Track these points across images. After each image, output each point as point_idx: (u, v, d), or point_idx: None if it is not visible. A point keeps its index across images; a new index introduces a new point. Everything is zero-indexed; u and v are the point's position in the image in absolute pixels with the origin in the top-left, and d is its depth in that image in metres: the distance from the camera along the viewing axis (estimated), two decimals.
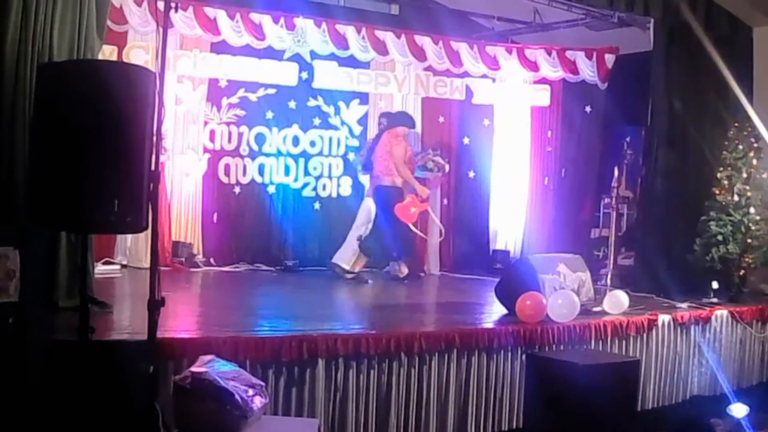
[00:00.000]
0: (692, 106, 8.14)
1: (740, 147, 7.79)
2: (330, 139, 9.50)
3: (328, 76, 9.29)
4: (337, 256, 8.60)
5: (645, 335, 6.38)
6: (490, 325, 5.87)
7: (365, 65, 9.50)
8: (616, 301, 6.52)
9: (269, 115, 9.14)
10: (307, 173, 9.40)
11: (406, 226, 8.37)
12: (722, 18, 8.18)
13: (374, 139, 8.76)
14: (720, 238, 7.57)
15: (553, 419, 4.97)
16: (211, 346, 4.43)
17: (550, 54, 9.95)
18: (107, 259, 8.00)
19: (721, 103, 7.99)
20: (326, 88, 9.35)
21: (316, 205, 9.47)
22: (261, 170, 9.15)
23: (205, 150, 8.82)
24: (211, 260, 8.76)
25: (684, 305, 7.00)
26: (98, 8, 5.32)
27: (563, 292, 6.13)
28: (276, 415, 4.56)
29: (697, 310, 6.87)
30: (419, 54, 9.58)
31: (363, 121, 9.65)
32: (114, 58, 7.72)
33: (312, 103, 9.36)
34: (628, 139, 10.52)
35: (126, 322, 5.15)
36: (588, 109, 10.13)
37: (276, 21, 8.77)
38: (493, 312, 6.47)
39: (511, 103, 10.17)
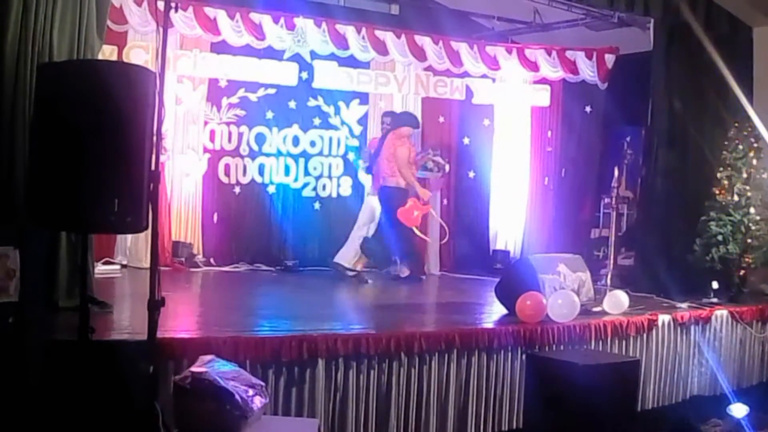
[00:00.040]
0: (692, 106, 8.14)
1: (740, 147, 7.79)
2: (330, 139, 9.51)
3: (328, 76, 9.29)
4: (339, 255, 8.61)
5: (645, 335, 6.38)
6: (490, 325, 5.87)
7: (365, 65, 9.51)
8: (616, 301, 6.52)
9: (269, 115, 9.14)
10: (307, 173, 9.40)
11: (409, 230, 8.35)
12: (722, 18, 8.18)
13: (380, 140, 8.73)
14: (720, 238, 7.57)
15: (553, 419, 4.97)
16: (211, 346, 4.43)
17: (550, 54, 9.95)
18: (107, 259, 8.00)
19: (721, 103, 7.99)
20: (326, 88, 9.35)
21: (316, 205, 9.47)
22: (261, 170, 9.15)
23: (205, 150, 8.83)
24: (211, 260, 8.77)
25: (684, 305, 7.00)
26: (98, 8, 5.31)
27: (563, 292, 6.13)
28: (276, 415, 4.56)
29: (697, 310, 6.87)
30: (419, 54, 9.58)
31: (363, 121, 9.65)
32: (114, 58, 7.73)
33: (312, 103, 9.37)
34: (628, 139, 10.52)
35: (126, 322, 5.15)
36: (588, 109, 10.13)
37: (276, 21, 8.78)
38: (493, 312, 6.47)
39: (511, 103, 10.17)
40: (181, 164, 8.62)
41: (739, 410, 6.27)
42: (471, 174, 10.22)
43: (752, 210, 7.64)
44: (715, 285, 7.40)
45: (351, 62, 9.35)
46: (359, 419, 4.95)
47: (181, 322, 5.26)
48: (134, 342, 4.29)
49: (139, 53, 8.08)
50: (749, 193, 7.70)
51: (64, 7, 5.09)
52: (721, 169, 7.83)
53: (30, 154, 4.23)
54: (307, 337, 4.81)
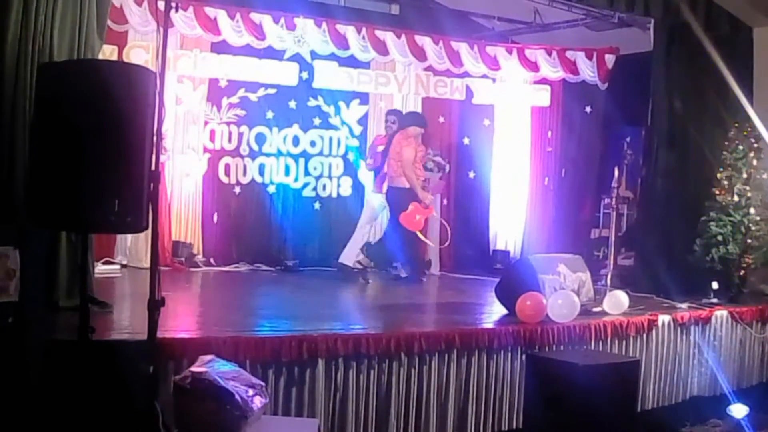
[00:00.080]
0: (692, 106, 8.14)
1: (740, 147, 7.79)
2: (330, 139, 9.51)
3: (328, 76, 9.29)
4: (343, 256, 8.68)
5: (645, 335, 6.38)
6: (490, 326, 5.88)
7: (365, 65, 9.51)
8: (616, 302, 6.52)
9: (269, 115, 9.14)
10: (307, 173, 9.40)
11: (412, 234, 8.35)
12: (722, 18, 8.18)
13: (388, 139, 8.73)
14: (720, 238, 7.57)
15: (553, 419, 4.97)
16: (211, 346, 4.43)
17: (550, 54, 9.95)
18: (107, 258, 8.00)
19: (721, 103, 7.99)
20: (326, 88, 9.36)
21: (316, 205, 9.47)
22: (261, 170, 9.15)
23: (206, 150, 8.83)
24: (211, 260, 8.76)
25: (684, 305, 7.00)
26: (98, 8, 5.31)
27: (563, 292, 6.13)
28: (276, 415, 4.56)
29: (697, 311, 6.87)
30: (419, 54, 9.58)
31: (363, 121, 9.65)
32: (114, 57, 7.72)
33: (312, 103, 9.37)
34: (628, 139, 10.52)
35: (126, 322, 5.16)
36: (588, 109, 10.13)
37: (276, 21, 8.77)
38: (493, 312, 6.47)
39: (512, 103, 10.17)
40: (181, 164, 8.62)
41: (738, 410, 6.28)
42: (471, 174, 10.22)
43: (752, 210, 7.64)
44: (715, 285, 7.39)
45: (351, 62, 9.35)
46: (359, 419, 4.95)
47: (181, 322, 5.26)
48: (134, 342, 4.29)
49: (139, 53, 8.08)
50: (749, 194, 7.70)
51: (65, 7, 5.09)
52: (721, 169, 7.83)
53: (30, 154, 4.24)
54: (307, 337, 4.81)
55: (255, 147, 9.09)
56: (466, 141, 10.19)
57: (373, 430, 5.00)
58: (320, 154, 9.46)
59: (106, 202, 3.50)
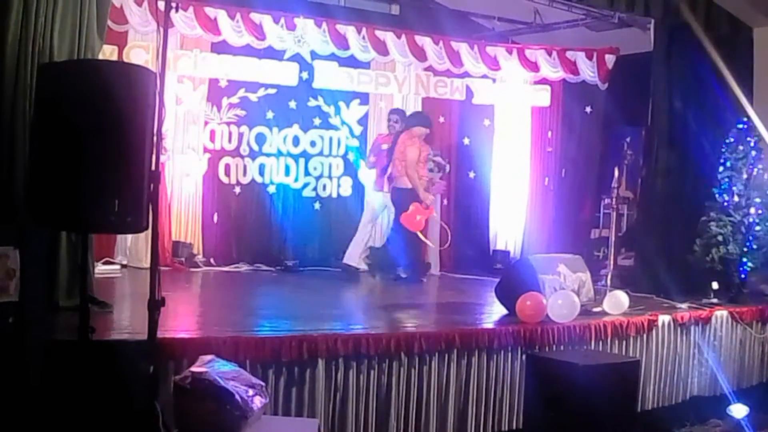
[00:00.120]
0: (692, 106, 8.14)
1: (740, 147, 7.79)
2: (330, 139, 9.51)
3: (328, 76, 9.29)
4: (347, 257, 8.74)
5: (645, 336, 6.38)
6: (490, 326, 5.88)
7: (365, 65, 9.51)
8: (616, 302, 6.52)
9: (269, 115, 9.14)
10: (307, 173, 9.40)
11: (415, 236, 8.37)
12: (722, 18, 8.18)
13: (393, 138, 8.75)
14: (720, 238, 7.57)
15: (553, 419, 4.97)
16: (212, 346, 4.43)
17: (550, 54, 9.96)
18: (107, 258, 8.00)
19: (721, 103, 7.99)
20: (326, 88, 9.36)
21: (317, 205, 9.47)
22: (261, 170, 9.15)
23: (206, 150, 8.83)
24: (212, 260, 8.76)
25: (684, 306, 7.00)
26: (99, 8, 5.31)
27: (563, 292, 6.13)
28: (276, 415, 4.56)
29: (697, 311, 6.87)
30: (419, 54, 9.58)
31: (363, 121, 9.65)
32: (114, 58, 7.73)
33: (312, 103, 9.37)
34: (628, 139, 10.52)
35: (126, 322, 5.16)
36: (588, 109, 10.13)
37: (276, 21, 8.78)
38: (493, 312, 6.47)
39: (512, 103, 10.17)
40: (182, 164, 8.62)
41: (739, 411, 6.27)
42: (471, 174, 10.22)
43: (752, 210, 7.63)
44: (715, 285, 7.39)
45: (351, 62, 9.35)
46: (359, 419, 4.95)
47: (181, 322, 5.26)
48: (134, 342, 4.29)
49: (139, 53, 8.09)
50: (750, 194, 7.69)
51: (65, 7, 5.08)
52: (721, 169, 7.83)
53: (30, 154, 4.23)
54: (307, 337, 4.81)
55: (255, 147, 9.10)
56: (466, 141, 10.19)
57: (373, 430, 5.00)
58: (320, 154, 9.46)
59: (106, 202, 3.50)
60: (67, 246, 5.10)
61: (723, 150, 7.87)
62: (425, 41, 9.59)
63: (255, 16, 8.67)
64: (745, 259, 7.60)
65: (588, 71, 9.91)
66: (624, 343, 6.23)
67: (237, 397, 3.84)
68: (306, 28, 8.92)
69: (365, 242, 8.96)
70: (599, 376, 4.99)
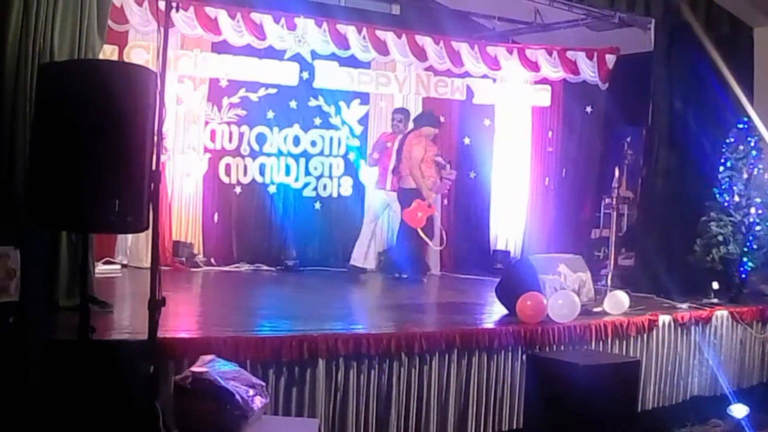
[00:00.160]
0: (693, 106, 8.14)
1: (741, 147, 7.78)
2: (331, 139, 9.51)
3: (328, 76, 9.29)
4: (353, 258, 8.87)
5: (645, 336, 6.38)
6: (490, 326, 5.88)
7: (366, 65, 9.51)
8: (617, 302, 6.52)
9: (270, 114, 9.14)
10: (307, 173, 9.40)
11: (417, 236, 8.43)
12: (723, 18, 8.18)
13: (401, 140, 8.79)
14: (720, 238, 7.57)
15: (554, 419, 4.97)
16: (212, 346, 4.43)
17: (550, 54, 9.96)
18: (108, 258, 8.00)
19: (722, 103, 7.99)
20: (327, 88, 9.36)
21: (317, 205, 9.47)
22: (262, 170, 9.15)
23: (206, 150, 8.83)
24: (212, 260, 8.76)
25: (684, 306, 7.00)
26: (99, 8, 5.31)
27: (564, 292, 6.13)
28: (276, 415, 4.56)
29: (697, 311, 6.87)
30: (420, 54, 9.58)
31: (364, 120, 9.65)
32: (115, 57, 7.73)
33: (313, 103, 9.37)
34: (628, 139, 10.51)
35: (126, 321, 5.16)
36: (589, 109, 10.13)
37: (277, 21, 8.78)
38: (494, 312, 6.47)
39: (512, 103, 10.17)
40: (182, 164, 8.62)
41: (739, 411, 6.27)
42: (471, 174, 10.22)
43: (752, 210, 7.63)
44: (715, 285, 7.39)
45: (352, 62, 9.35)
46: (359, 419, 4.95)
47: (181, 321, 5.26)
48: (135, 342, 4.29)
49: (139, 53, 8.09)
50: (750, 194, 7.69)
51: (65, 7, 5.08)
52: (722, 169, 7.83)
53: (30, 154, 4.23)
54: (308, 337, 4.81)
55: (255, 147, 9.10)
56: (466, 141, 10.19)
57: (374, 430, 5.00)
58: (321, 154, 9.46)
59: (107, 202, 3.50)
60: (67, 246, 5.10)
61: (723, 150, 7.87)
62: (426, 41, 9.59)
63: (255, 16, 8.67)
64: (745, 259, 7.60)
65: (588, 71, 9.91)
66: (624, 343, 6.23)
67: (237, 397, 3.84)
68: (306, 28, 8.93)
69: (368, 242, 9.03)
70: (599, 376, 4.99)
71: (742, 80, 7.88)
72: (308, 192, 9.42)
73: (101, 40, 5.41)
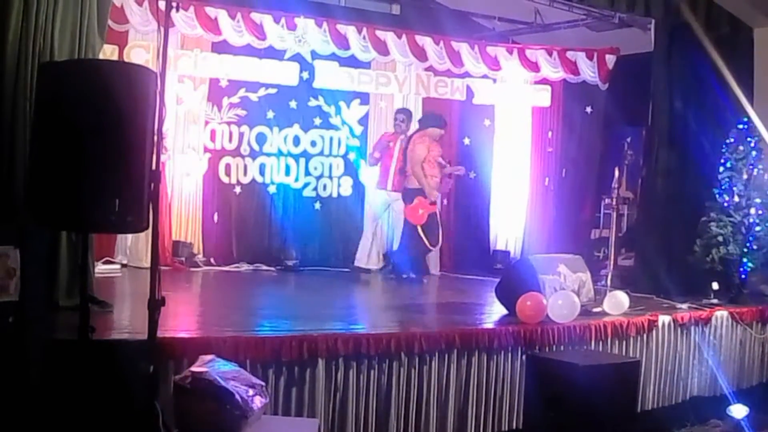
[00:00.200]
0: (692, 106, 8.14)
1: (740, 148, 7.79)
2: (331, 139, 9.51)
3: (328, 76, 9.29)
4: (357, 259, 8.97)
5: (645, 336, 6.38)
6: (490, 326, 5.87)
7: (366, 65, 9.51)
8: (617, 302, 6.52)
9: (270, 114, 9.14)
10: (307, 173, 9.40)
11: (418, 236, 8.45)
12: (723, 19, 8.19)
13: (407, 141, 8.83)
14: (720, 239, 7.57)
15: (553, 419, 4.97)
16: (212, 346, 4.43)
17: (550, 54, 9.96)
18: (107, 258, 8.00)
19: (722, 103, 7.99)
20: (327, 88, 9.35)
21: (317, 205, 9.47)
22: (262, 170, 9.15)
23: (206, 150, 8.83)
24: (212, 260, 8.76)
25: (684, 306, 7.00)
26: (99, 8, 5.31)
27: (563, 292, 6.13)
28: (276, 415, 4.56)
29: (697, 311, 6.87)
30: (420, 54, 9.58)
31: (364, 121, 9.65)
32: (115, 57, 7.73)
33: (313, 103, 9.37)
34: (628, 139, 10.52)
35: (126, 321, 5.15)
36: (589, 109, 10.13)
37: (277, 21, 8.78)
38: (494, 312, 6.47)
39: (512, 103, 10.17)
40: (182, 164, 8.62)
41: (738, 411, 6.27)
42: (471, 174, 10.21)
43: (752, 211, 7.63)
44: (715, 286, 7.39)
45: (352, 62, 9.35)
46: (359, 419, 4.95)
47: (181, 321, 5.26)
48: (134, 341, 4.29)
49: (140, 53, 8.09)
50: (750, 194, 7.69)
51: (65, 6, 5.08)
52: (722, 169, 7.83)
53: (30, 154, 4.23)
54: (308, 337, 4.81)
55: (255, 147, 9.10)
56: (466, 141, 10.19)
57: (373, 430, 5.00)
58: (321, 154, 9.46)
59: (107, 202, 3.50)
60: (67, 245, 5.09)
61: (723, 150, 7.88)
62: (426, 41, 9.59)
63: (255, 16, 8.67)
64: (745, 260, 7.60)
65: (588, 71, 9.91)
66: (624, 343, 6.23)
67: (237, 396, 3.84)
68: (306, 28, 8.93)
69: (370, 243, 9.11)
70: (599, 376, 4.99)
71: (742, 80, 7.88)
72: (308, 192, 9.42)
73: (101, 39, 5.41)
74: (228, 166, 8.99)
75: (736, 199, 7.70)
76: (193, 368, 3.96)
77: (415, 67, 9.74)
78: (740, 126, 7.84)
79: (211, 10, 8.42)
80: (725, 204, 7.72)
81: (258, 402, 3.97)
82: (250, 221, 9.12)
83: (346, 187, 9.59)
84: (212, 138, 8.87)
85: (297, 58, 9.06)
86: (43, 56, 4.96)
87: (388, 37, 9.38)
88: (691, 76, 8.13)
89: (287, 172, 9.28)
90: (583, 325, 5.97)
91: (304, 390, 4.75)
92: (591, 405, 4.87)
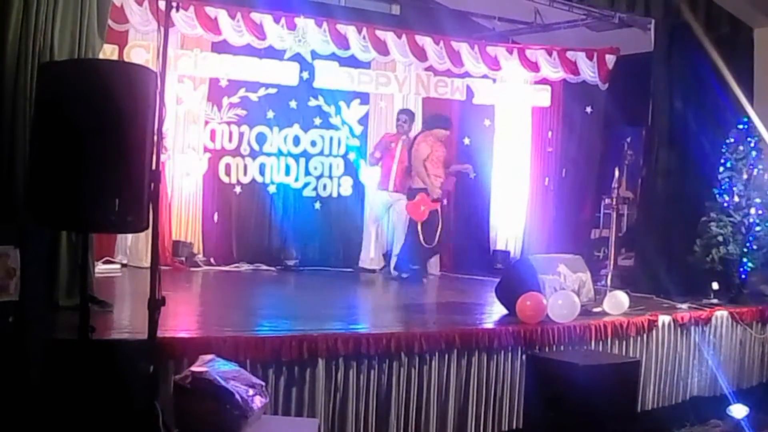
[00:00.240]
0: (692, 106, 8.14)
1: (740, 148, 7.79)
2: (331, 139, 9.51)
3: (328, 75, 9.29)
4: (361, 258, 9.04)
5: (645, 336, 6.38)
6: (490, 326, 5.87)
7: (366, 65, 9.51)
8: (617, 302, 6.52)
9: (270, 114, 9.15)
10: (307, 173, 9.41)
11: (418, 236, 8.50)
12: (723, 19, 8.19)
13: (411, 142, 8.85)
14: (720, 239, 7.57)
15: (553, 419, 4.97)
16: (212, 346, 4.43)
17: (550, 54, 9.96)
18: (107, 258, 8.00)
19: (722, 103, 7.99)
20: (327, 87, 9.36)
21: (317, 205, 9.47)
22: (262, 170, 9.15)
23: (206, 149, 8.83)
24: (212, 260, 8.77)
25: (684, 306, 7.00)
26: (99, 7, 5.31)
27: (563, 292, 6.13)
28: (276, 415, 4.56)
29: (697, 311, 6.87)
30: (420, 54, 9.59)
31: (364, 120, 9.65)
32: (115, 57, 7.74)
33: (313, 102, 9.37)
34: (628, 139, 10.52)
35: (126, 321, 5.15)
36: (588, 109, 10.13)
37: (277, 21, 8.79)
38: (494, 312, 6.47)
39: (512, 103, 10.17)
40: (182, 164, 8.62)
41: (739, 411, 6.27)
42: (472, 174, 10.19)
43: (752, 211, 7.63)
44: (715, 286, 7.40)
45: (352, 62, 9.36)
46: (359, 419, 4.95)
47: (181, 321, 5.25)
48: (134, 341, 4.29)
49: (140, 53, 8.10)
50: (750, 194, 7.69)
51: (65, 6, 5.08)
52: (722, 169, 7.83)
53: (30, 154, 4.23)
54: (308, 336, 4.81)
55: (255, 147, 9.10)
56: (466, 141, 10.19)
57: (373, 430, 5.00)
58: (321, 153, 9.46)
59: (107, 202, 3.50)
60: (67, 245, 5.09)
61: (723, 150, 7.88)
62: (426, 41, 9.59)
63: (255, 16, 8.68)
64: (745, 260, 7.60)
65: (588, 71, 9.91)
66: (624, 343, 6.23)
67: (237, 396, 3.84)
68: (306, 28, 8.93)
69: (372, 244, 9.13)
70: (599, 376, 4.99)
71: (742, 80, 7.89)
72: (308, 192, 9.42)
73: (101, 39, 5.41)
74: (228, 166, 8.99)
75: (736, 199, 7.70)
76: (193, 368, 3.96)
77: (415, 67, 9.74)
78: (740, 126, 7.84)
79: (211, 10, 8.42)
80: (725, 204, 7.72)
81: (258, 402, 3.97)
82: (250, 221, 9.12)
83: (346, 187, 9.59)
84: (212, 138, 8.87)
85: (297, 58, 9.06)
86: (43, 56, 4.96)
87: (388, 37, 9.39)
88: (691, 76, 8.13)
89: (287, 172, 9.28)
90: (583, 325, 5.97)
91: (304, 390, 4.75)
92: (591, 405, 4.87)
